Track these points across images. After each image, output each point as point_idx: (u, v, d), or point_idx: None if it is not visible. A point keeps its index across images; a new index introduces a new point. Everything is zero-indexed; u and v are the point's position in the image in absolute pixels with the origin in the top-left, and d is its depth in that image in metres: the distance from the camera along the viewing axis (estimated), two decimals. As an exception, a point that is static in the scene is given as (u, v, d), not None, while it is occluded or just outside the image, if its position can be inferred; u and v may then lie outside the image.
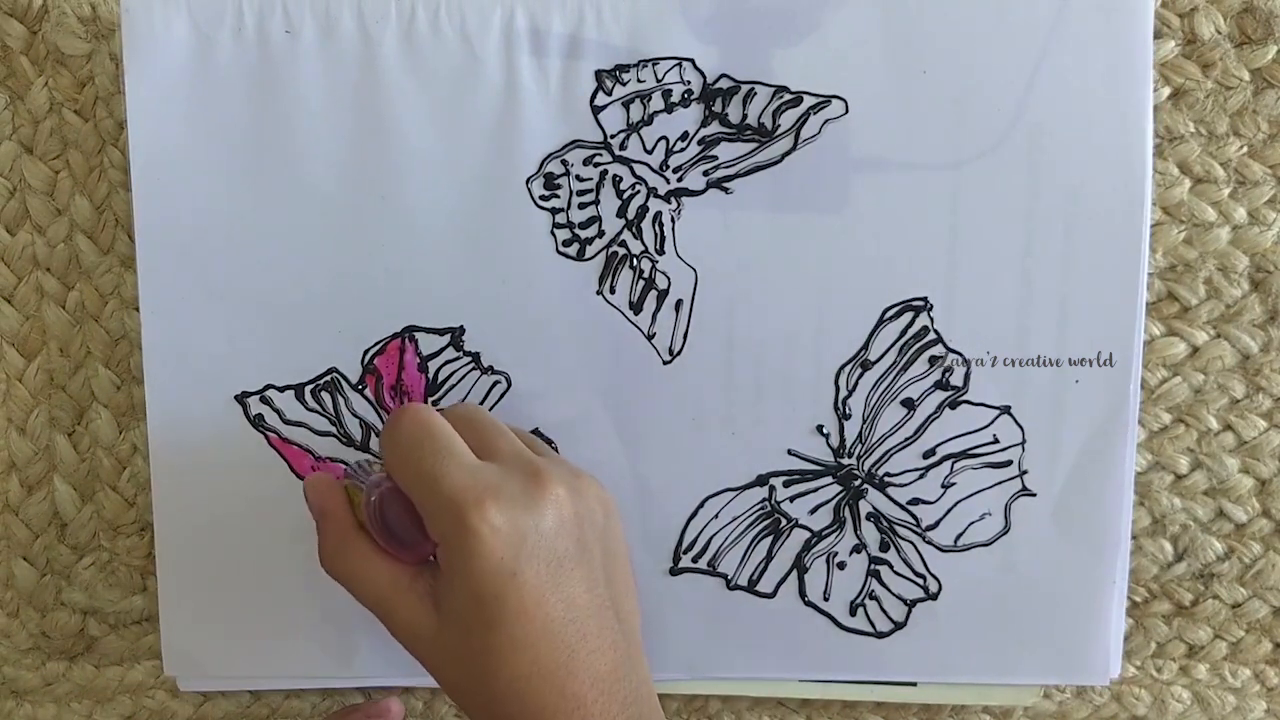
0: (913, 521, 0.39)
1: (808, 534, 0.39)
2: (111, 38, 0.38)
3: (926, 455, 0.39)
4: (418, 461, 0.30)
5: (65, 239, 0.39)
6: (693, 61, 0.37)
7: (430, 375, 0.38)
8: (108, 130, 0.38)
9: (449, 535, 0.29)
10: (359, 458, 0.39)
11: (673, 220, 0.38)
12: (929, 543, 0.39)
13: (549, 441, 0.38)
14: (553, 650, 0.29)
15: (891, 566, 0.39)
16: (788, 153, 0.37)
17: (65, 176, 0.39)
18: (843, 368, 0.38)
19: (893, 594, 0.39)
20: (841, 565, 0.39)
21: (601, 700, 0.29)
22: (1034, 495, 0.38)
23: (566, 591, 0.30)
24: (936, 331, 0.38)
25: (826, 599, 0.39)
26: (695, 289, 0.38)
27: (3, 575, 0.41)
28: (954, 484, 0.39)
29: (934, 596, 0.39)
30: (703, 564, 0.39)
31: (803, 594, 0.39)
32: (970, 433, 0.38)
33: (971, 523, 0.39)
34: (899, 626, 0.39)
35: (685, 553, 0.39)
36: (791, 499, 0.39)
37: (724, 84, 0.37)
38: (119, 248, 0.39)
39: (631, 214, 0.38)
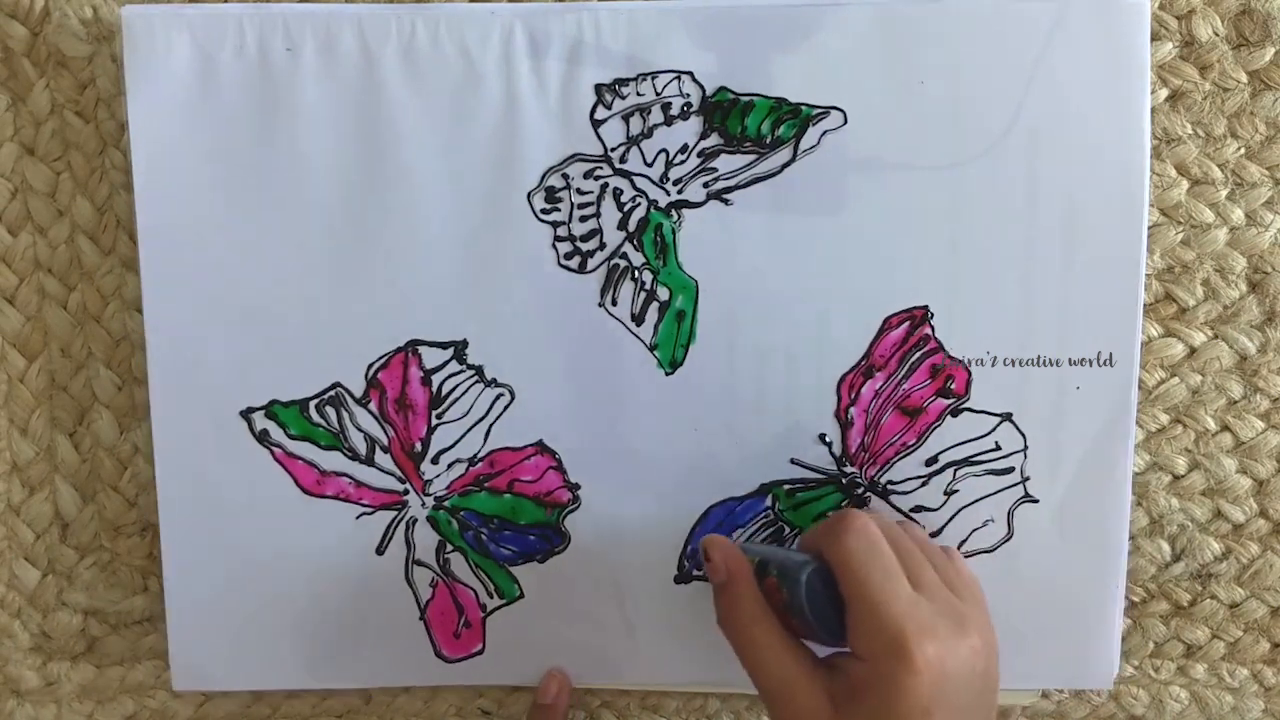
0: (916, 529, 0.39)
1: (811, 542, 0.39)
2: (113, 40, 0.38)
3: (929, 463, 0.39)
4: (867, 576, 0.31)
5: (67, 240, 0.39)
6: (691, 74, 0.37)
7: (434, 389, 0.38)
8: (109, 132, 0.38)
9: (881, 655, 0.30)
10: (745, 542, 0.39)
11: (674, 232, 0.38)
12: (932, 550, 0.39)
13: (553, 454, 0.39)
14: None
15: (895, 574, 0.39)
16: (787, 164, 0.37)
17: (67, 178, 0.39)
18: (845, 376, 0.38)
19: (897, 601, 0.39)
20: (845, 573, 0.39)
21: None
22: (1036, 501, 0.39)
23: None
24: (938, 340, 0.38)
25: (831, 607, 0.39)
26: (697, 300, 0.38)
27: (4, 576, 0.41)
28: (957, 491, 0.39)
29: (938, 603, 0.39)
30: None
31: (807, 602, 0.39)
32: (972, 440, 0.38)
33: (975, 529, 0.39)
34: (903, 633, 0.39)
35: (690, 561, 0.39)
36: (795, 508, 0.39)
37: (723, 97, 0.37)
38: (120, 249, 0.39)
39: (632, 226, 0.38)
